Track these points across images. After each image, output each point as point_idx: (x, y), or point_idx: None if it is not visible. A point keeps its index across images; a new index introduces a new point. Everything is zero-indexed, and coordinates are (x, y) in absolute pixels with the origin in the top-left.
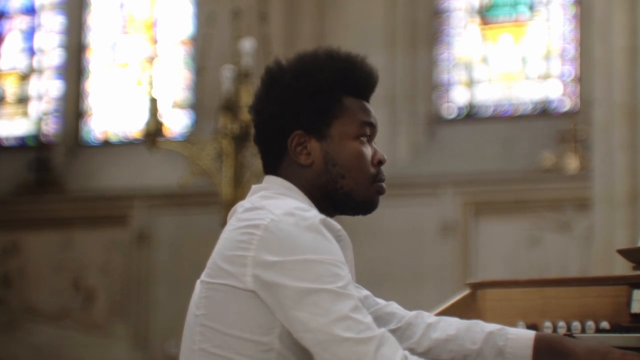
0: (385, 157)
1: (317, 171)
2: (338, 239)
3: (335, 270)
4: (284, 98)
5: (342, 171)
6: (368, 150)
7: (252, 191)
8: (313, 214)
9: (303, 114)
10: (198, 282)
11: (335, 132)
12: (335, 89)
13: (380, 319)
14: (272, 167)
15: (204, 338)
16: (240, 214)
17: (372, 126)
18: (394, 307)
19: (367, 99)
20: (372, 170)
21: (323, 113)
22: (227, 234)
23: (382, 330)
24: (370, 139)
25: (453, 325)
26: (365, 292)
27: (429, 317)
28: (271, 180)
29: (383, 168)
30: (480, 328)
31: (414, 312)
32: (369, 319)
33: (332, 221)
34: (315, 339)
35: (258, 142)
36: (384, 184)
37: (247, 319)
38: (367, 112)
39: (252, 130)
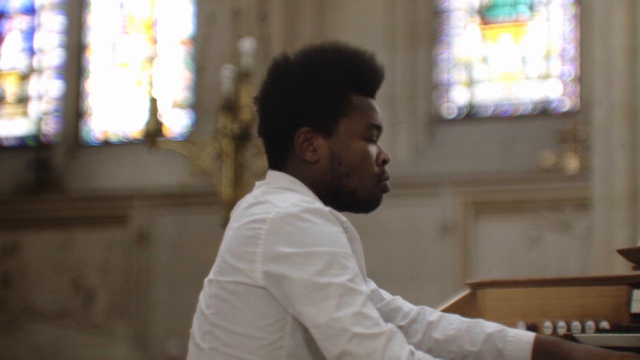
0: (389, 156)
1: (323, 168)
2: (345, 230)
3: (343, 262)
4: (292, 93)
5: (347, 170)
6: (373, 150)
7: (255, 187)
8: (319, 205)
9: (311, 110)
10: (206, 280)
11: (342, 130)
12: (344, 86)
13: (386, 315)
14: (277, 161)
15: (214, 337)
16: (244, 210)
17: (379, 128)
18: (399, 302)
19: (373, 96)
20: (377, 169)
21: (331, 110)
22: (233, 231)
23: (390, 325)
24: (376, 139)
25: (454, 324)
26: (373, 286)
27: (431, 313)
28: (274, 176)
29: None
30: (481, 329)
31: (417, 308)
32: (377, 313)
33: (338, 213)
34: (325, 333)
35: (263, 135)
36: (388, 183)
37: (257, 316)
38: (374, 112)
39: (256, 122)
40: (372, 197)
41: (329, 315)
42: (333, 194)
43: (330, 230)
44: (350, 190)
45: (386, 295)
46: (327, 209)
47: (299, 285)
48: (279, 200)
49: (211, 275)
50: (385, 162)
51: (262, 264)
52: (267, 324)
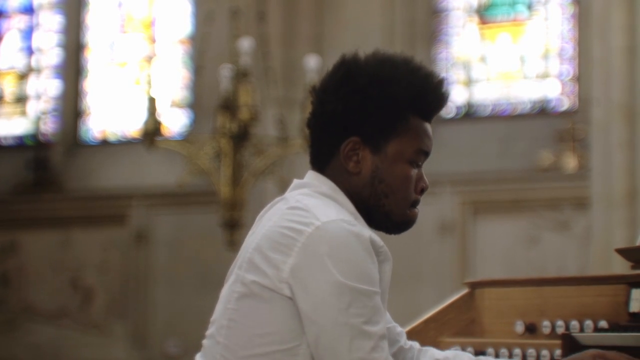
0: (428, 183)
1: (362, 182)
2: (378, 254)
3: (365, 301)
4: (353, 100)
5: (386, 190)
6: (415, 175)
7: (294, 186)
8: (359, 228)
9: (367, 122)
10: (230, 272)
11: (390, 150)
12: (405, 107)
13: (392, 339)
14: (319, 162)
15: (231, 333)
16: (284, 210)
17: (427, 154)
18: (400, 329)
19: (430, 120)
20: (414, 196)
21: (386, 128)
22: (268, 230)
23: None
24: (421, 164)
25: (441, 353)
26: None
27: (418, 344)
28: (314, 177)
29: None
30: (468, 357)
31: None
32: (384, 355)
33: (376, 238)
34: None
35: (312, 129)
36: (417, 209)
37: (278, 322)
38: (427, 139)
39: (307, 113)
40: (405, 220)
41: (336, 355)
42: (367, 210)
43: (365, 263)
44: (386, 211)
45: (388, 318)
46: (368, 234)
47: (317, 314)
48: (320, 211)
49: (236, 269)
50: (423, 190)
51: (289, 276)
52: (287, 331)
